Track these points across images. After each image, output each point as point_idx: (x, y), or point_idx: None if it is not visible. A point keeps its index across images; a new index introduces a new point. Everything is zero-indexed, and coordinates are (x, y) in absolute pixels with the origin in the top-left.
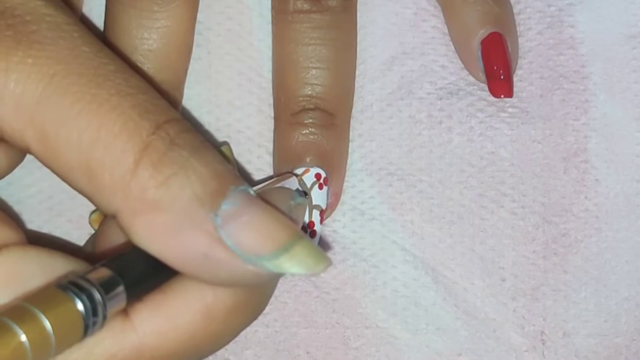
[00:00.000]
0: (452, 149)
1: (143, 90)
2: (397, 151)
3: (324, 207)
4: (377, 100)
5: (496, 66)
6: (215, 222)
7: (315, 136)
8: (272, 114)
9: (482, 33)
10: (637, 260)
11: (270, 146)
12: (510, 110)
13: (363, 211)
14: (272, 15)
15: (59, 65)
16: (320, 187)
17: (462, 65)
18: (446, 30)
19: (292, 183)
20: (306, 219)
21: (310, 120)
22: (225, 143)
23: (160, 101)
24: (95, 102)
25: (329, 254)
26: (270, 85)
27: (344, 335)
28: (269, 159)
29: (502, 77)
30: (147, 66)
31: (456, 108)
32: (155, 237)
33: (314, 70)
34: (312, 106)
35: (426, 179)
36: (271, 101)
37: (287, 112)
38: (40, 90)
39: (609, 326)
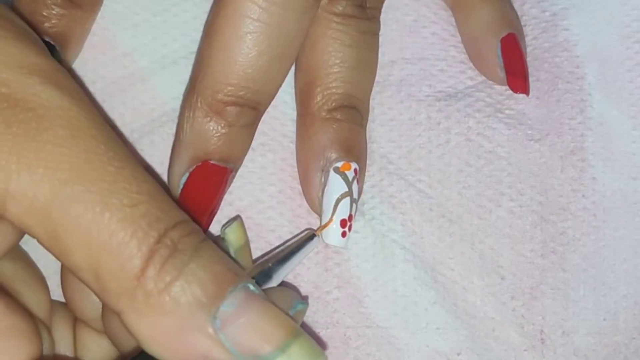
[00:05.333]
0: (450, 149)
1: (154, 195)
2: (397, 152)
3: (358, 200)
4: (377, 104)
5: (516, 64)
6: (215, 325)
7: (353, 132)
8: (275, 114)
9: (502, 32)
10: (635, 258)
11: (273, 144)
12: (507, 111)
13: (364, 211)
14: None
15: (72, 171)
16: (358, 182)
17: (461, 69)
18: (445, 37)
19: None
20: (347, 213)
21: (348, 117)
22: (238, 217)
23: (168, 204)
24: (107, 211)
25: (331, 253)
26: None
27: (345, 335)
28: (271, 157)
29: (521, 74)
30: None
31: (454, 109)
32: (158, 339)
33: (356, 71)
34: (349, 104)
35: (425, 179)
36: (275, 102)
37: (324, 107)
38: (52, 196)
39: (607, 325)
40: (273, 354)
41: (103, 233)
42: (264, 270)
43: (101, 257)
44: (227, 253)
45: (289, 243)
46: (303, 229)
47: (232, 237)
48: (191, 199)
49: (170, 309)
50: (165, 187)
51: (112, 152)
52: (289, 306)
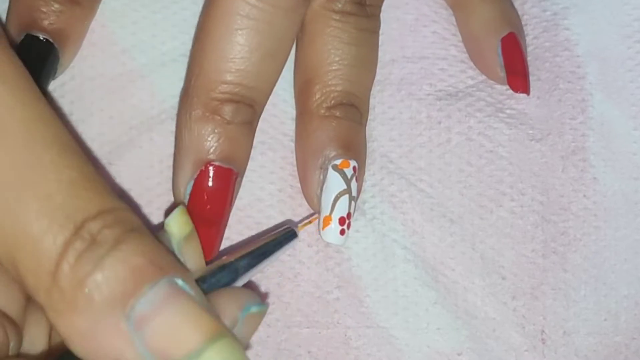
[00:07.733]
0: (451, 148)
1: (76, 182)
2: (398, 151)
3: (357, 198)
4: (378, 103)
5: (516, 63)
6: (129, 326)
7: (351, 130)
8: (275, 113)
9: (503, 32)
10: (636, 258)
11: (272, 142)
12: (508, 111)
13: (364, 211)
14: (313, 11)
15: None
16: (357, 180)
17: (461, 68)
18: (446, 36)
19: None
20: (346, 211)
21: (347, 115)
22: (180, 205)
23: (91, 192)
24: (22, 203)
25: (332, 253)
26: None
27: (345, 335)
28: (272, 155)
29: (522, 73)
30: None
31: (455, 108)
32: (74, 339)
33: (355, 69)
34: (348, 102)
35: (426, 178)
36: (274, 100)
37: (322, 105)
38: None
39: (608, 325)
40: (185, 358)
41: (17, 227)
42: (224, 266)
43: (17, 252)
44: (170, 246)
45: (265, 238)
46: None
47: (175, 228)
48: (200, 208)
49: (83, 308)
50: (159, 190)
51: (35, 135)
52: (239, 307)
